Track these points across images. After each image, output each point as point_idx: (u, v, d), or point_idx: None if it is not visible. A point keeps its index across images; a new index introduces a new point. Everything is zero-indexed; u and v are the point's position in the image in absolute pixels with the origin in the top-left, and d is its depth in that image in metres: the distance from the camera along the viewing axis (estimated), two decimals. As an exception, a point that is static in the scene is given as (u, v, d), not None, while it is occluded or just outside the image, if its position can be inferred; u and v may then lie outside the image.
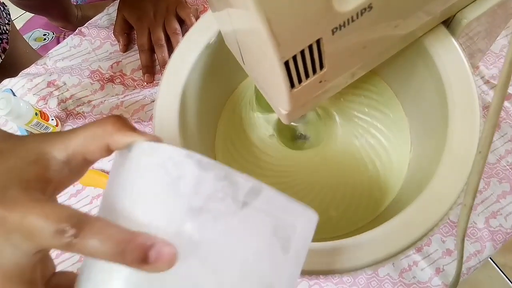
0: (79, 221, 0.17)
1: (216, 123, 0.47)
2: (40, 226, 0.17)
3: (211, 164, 0.19)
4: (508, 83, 0.23)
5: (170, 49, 0.55)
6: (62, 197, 0.50)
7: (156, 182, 0.19)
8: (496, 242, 0.44)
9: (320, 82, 0.29)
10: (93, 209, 0.49)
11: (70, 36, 0.58)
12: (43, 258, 0.21)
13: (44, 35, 0.88)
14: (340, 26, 0.25)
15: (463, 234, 0.30)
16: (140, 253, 0.17)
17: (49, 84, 0.55)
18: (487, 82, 0.49)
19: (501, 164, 0.46)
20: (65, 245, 0.17)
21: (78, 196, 0.50)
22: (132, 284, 0.18)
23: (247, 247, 0.19)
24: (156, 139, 0.21)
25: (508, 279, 1.01)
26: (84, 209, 0.49)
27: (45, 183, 0.20)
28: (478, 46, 0.43)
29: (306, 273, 0.30)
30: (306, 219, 0.21)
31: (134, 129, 0.21)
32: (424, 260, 0.44)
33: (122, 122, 0.21)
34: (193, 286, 0.18)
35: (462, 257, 0.32)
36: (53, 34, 0.86)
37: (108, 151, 0.21)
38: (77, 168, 0.21)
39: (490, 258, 0.46)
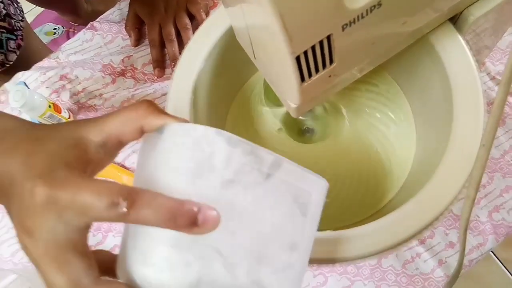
0: (130, 194, 0.19)
1: (225, 117, 0.48)
2: (93, 202, 0.18)
3: (239, 140, 0.21)
4: (512, 79, 0.24)
5: (181, 44, 0.56)
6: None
7: (192, 158, 0.21)
8: (498, 235, 0.45)
9: (330, 76, 0.30)
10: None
11: (82, 30, 0.59)
12: None
13: (54, 29, 0.89)
14: (350, 22, 0.26)
15: (465, 225, 0.31)
16: (189, 217, 0.19)
17: (62, 77, 0.56)
18: (493, 78, 0.50)
19: (505, 159, 0.47)
20: (120, 216, 0.18)
21: None
22: (178, 246, 0.20)
23: (273, 212, 0.22)
24: (186, 121, 0.22)
25: (510, 274, 1.01)
26: None
27: (85, 164, 0.21)
28: (485, 42, 0.44)
29: (311, 261, 0.31)
30: (319, 187, 0.24)
31: (165, 113, 0.22)
32: (427, 252, 0.45)
33: (154, 106, 0.22)
34: (231, 245, 0.21)
35: (464, 248, 0.33)
36: (63, 28, 0.87)
37: (141, 133, 0.22)
38: (112, 150, 0.22)
39: (492, 252, 0.47)
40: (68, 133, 0.21)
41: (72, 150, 0.21)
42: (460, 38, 0.35)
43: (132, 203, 0.18)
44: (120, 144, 0.23)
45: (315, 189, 0.23)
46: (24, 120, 0.24)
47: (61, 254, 0.19)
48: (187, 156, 0.21)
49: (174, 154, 0.21)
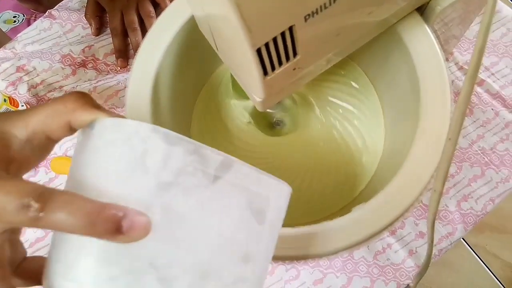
0: (44, 195, 0.17)
1: (191, 110, 0.46)
2: (2, 203, 0.16)
3: (179, 138, 0.19)
4: (477, 72, 0.23)
5: (144, 33, 0.53)
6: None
7: (122, 158, 0.18)
8: (467, 224, 0.45)
9: (294, 69, 0.28)
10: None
11: (39, 19, 0.56)
12: (12, 241, 0.20)
13: (14, 17, 0.84)
14: (312, 13, 0.24)
15: (433, 218, 0.31)
16: (112, 223, 0.17)
17: (18, 69, 0.53)
18: (461, 68, 0.50)
19: (473, 148, 0.47)
20: (31, 220, 0.16)
21: (51, 184, 0.49)
22: (104, 259, 0.18)
23: (221, 220, 0.19)
24: (120, 117, 0.20)
25: (480, 258, 1.05)
26: None
27: (6, 162, 0.19)
28: (453, 32, 0.43)
29: (283, 258, 0.30)
30: (278, 191, 0.21)
31: (97, 106, 0.20)
32: (397, 242, 0.45)
33: (85, 98, 0.20)
34: (167, 260, 0.18)
35: (432, 241, 0.33)
36: (24, 16, 0.83)
37: (71, 129, 0.20)
38: (39, 146, 0.20)
39: (462, 238, 0.48)
40: None
41: None
42: (427, 28, 0.34)
43: (44, 205, 0.16)
44: (49, 141, 0.21)
45: (274, 194, 0.21)
46: None
47: None
48: (117, 155, 0.18)
49: (103, 153, 0.19)
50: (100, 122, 0.20)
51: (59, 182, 0.49)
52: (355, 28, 0.30)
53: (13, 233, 0.21)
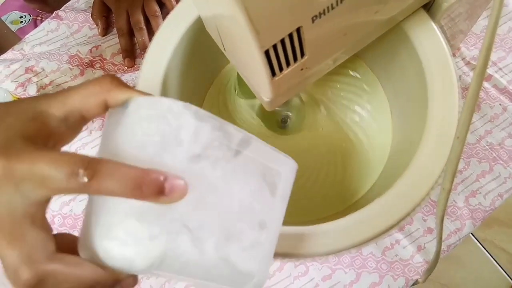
0: (91, 163, 0.18)
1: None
2: (51, 172, 0.18)
3: (207, 115, 0.20)
4: (486, 68, 0.23)
5: (150, 33, 0.53)
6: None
7: (158, 131, 0.20)
8: (476, 220, 0.45)
9: (302, 69, 0.29)
10: (78, 196, 0.49)
11: (47, 20, 0.56)
12: None
13: (21, 17, 0.85)
14: (320, 14, 0.25)
15: (442, 215, 0.31)
16: (156, 186, 0.18)
17: (27, 70, 0.54)
18: (468, 63, 0.50)
19: (481, 144, 0.47)
20: (81, 186, 0.18)
21: None
22: (144, 220, 0.19)
23: (242, 189, 0.22)
24: (151, 95, 0.22)
25: (488, 253, 1.04)
26: (68, 196, 0.49)
27: (46, 138, 0.20)
28: (460, 27, 0.43)
29: (294, 256, 0.31)
30: (288, 167, 0.24)
31: (130, 87, 0.22)
32: (406, 238, 0.45)
33: (118, 80, 0.22)
34: (199, 219, 0.20)
35: (441, 237, 0.33)
36: (30, 16, 0.83)
37: (105, 108, 0.22)
38: (74, 125, 0.22)
39: (471, 233, 0.48)
40: (27, 107, 0.20)
41: (31, 124, 0.20)
42: (434, 25, 0.34)
43: (94, 172, 0.18)
44: (83, 119, 0.22)
45: (285, 169, 0.23)
46: None
47: (16, 228, 0.18)
48: (153, 130, 0.20)
49: (140, 127, 0.20)
50: (135, 100, 0.21)
51: None
52: (362, 27, 0.30)
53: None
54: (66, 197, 0.48)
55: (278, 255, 0.30)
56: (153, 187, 0.18)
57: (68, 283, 0.19)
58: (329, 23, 0.26)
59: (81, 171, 0.18)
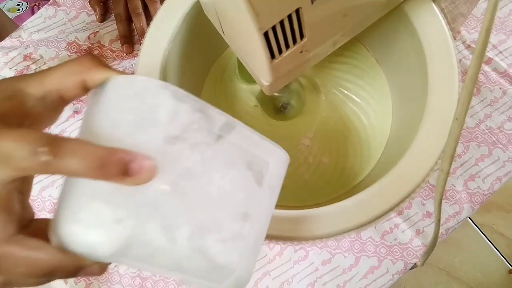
0: (53, 141, 0.17)
1: (199, 94, 0.47)
2: (13, 149, 0.17)
3: (187, 96, 0.20)
4: (485, 51, 0.23)
5: (149, 18, 0.53)
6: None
7: (132, 110, 0.19)
8: (474, 203, 0.45)
9: (301, 52, 0.28)
10: (56, 181, 0.49)
11: (44, 6, 0.56)
12: (21, 201, 0.21)
13: (18, 5, 0.84)
14: (319, -6, 0.24)
15: (440, 198, 0.31)
16: (121, 165, 0.17)
17: (26, 57, 0.53)
18: (468, 47, 0.50)
19: (480, 128, 0.47)
20: (43, 165, 0.17)
21: None
22: (110, 202, 0.18)
23: (222, 176, 0.20)
24: (130, 75, 0.21)
25: (486, 237, 1.05)
26: (47, 181, 0.49)
27: (21, 117, 0.20)
28: (460, 10, 0.43)
29: (292, 239, 0.31)
30: (278, 157, 0.22)
31: (109, 66, 0.21)
32: (404, 222, 0.45)
33: (98, 59, 0.21)
34: (171, 208, 0.19)
35: (439, 220, 0.33)
36: (27, 4, 0.82)
37: (84, 89, 0.21)
38: (52, 106, 0.21)
39: (469, 218, 0.49)
40: (4, 86, 0.20)
41: (7, 102, 0.19)
42: (435, 7, 0.34)
43: (55, 149, 0.17)
44: (62, 100, 0.21)
45: (273, 158, 0.22)
46: None
47: None
48: (127, 109, 0.19)
49: (115, 106, 0.19)
50: (113, 79, 0.20)
51: None
52: (362, 8, 0.30)
53: (22, 193, 0.21)
54: (45, 181, 0.49)
55: (277, 238, 0.31)
56: (117, 167, 0.17)
57: (23, 267, 0.19)
58: (328, 4, 0.26)
59: (42, 148, 0.17)
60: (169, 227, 0.19)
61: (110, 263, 0.21)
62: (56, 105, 0.21)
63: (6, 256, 0.18)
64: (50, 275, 0.19)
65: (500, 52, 0.49)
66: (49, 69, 0.21)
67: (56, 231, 0.19)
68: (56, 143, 0.17)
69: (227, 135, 0.20)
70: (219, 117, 0.20)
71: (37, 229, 0.20)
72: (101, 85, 0.20)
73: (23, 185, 0.22)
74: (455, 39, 0.50)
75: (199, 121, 0.20)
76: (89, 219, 0.18)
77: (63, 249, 0.19)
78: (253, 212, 0.21)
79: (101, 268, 0.21)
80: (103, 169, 0.17)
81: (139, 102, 0.19)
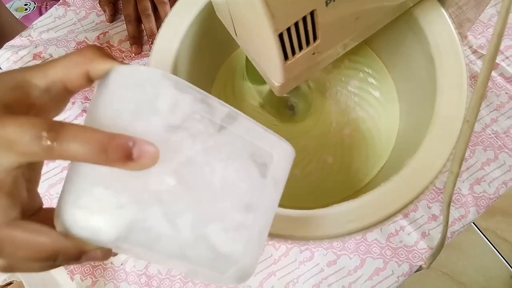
0: (55, 126, 0.18)
1: (208, 92, 0.47)
2: (16, 135, 0.17)
3: (188, 86, 0.20)
4: (496, 54, 0.24)
5: (158, 19, 0.54)
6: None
7: (134, 99, 0.19)
8: (480, 207, 0.46)
9: (313, 54, 0.29)
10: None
11: (54, 6, 0.57)
12: (29, 190, 0.21)
13: (26, 5, 0.85)
14: (333, -3, 0.25)
15: (449, 199, 0.31)
16: (123, 150, 0.18)
17: (35, 56, 0.54)
18: (475, 52, 0.50)
19: (486, 132, 0.48)
20: (45, 150, 0.17)
21: (50, 165, 0.50)
22: (113, 188, 0.19)
23: (225, 167, 0.20)
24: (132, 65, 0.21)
25: (490, 242, 1.05)
26: (56, 178, 0.49)
27: (26, 107, 0.20)
28: (467, 15, 0.43)
29: (308, 239, 0.31)
30: (282, 150, 0.22)
31: (113, 57, 0.21)
32: (410, 225, 0.46)
33: (101, 50, 0.21)
34: (173, 196, 0.19)
35: (447, 222, 0.34)
36: (35, 4, 0.83)
37: (88, 80, 0.21)
38: (57, 96, 0.21)
39: (473, 222, 0.49)
40: (9, 77, 0.20)
41: (12, 92, 0.20)
42: (444, 11, 0.34)
43: (57, 135, 0.17)
44: (66, 91, 0.21)
45: (278, 151, 0.22)
46: None
47: None
48: (129, 98, 0.19)
49: (117, 95, 0.20)
50: (116, 69, 0.20)
51: (58, 164, 0.49)
52: (374, 11, 0.30)
53: (29, 181, 0.22)
54: (54, 179, 0.49)
55: (282, 237, 0.31)
56: (120, 152, 0.18)
57: (26, 250, 0.19)
58: (342, 7, 0.26)
59: (44, 134, 0.17)
60: (171, 214, 0.19)
61: (112, 250, 0.21)
62: (61, 96, 0.21)
63: (7, 239, 0.19)
64: (53, 259, 0.20)
65: (507, 57, 0.50)
66: (53, 60, 0.21)
67: (60, 216, 0.19)
68: (59, 129, 0.18)
69: (230, 126, 0.20)
70: (222, 108, 0.20)
71: (45, 218, 0.21)
72: (105, 75, 0.21)
73: (30, 173, 0.22)
74: (462, 43, 0.50)
75: (201, 111, 0.20)
76: (92, 204, 0.19)
77: (66, 234, 0.19)
78: (256, 204, 0.21)
79: (104, 253, 0.21)
80: (105, 153, 0.18)
81: (140, 92, 0.19)
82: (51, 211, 0.22)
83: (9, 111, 0.19)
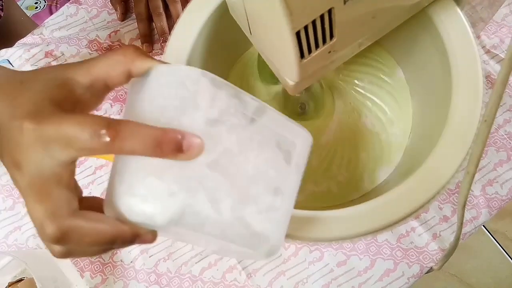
0: (112, 123, 0.19)
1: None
2: (76, 133, 0.19)
3: (224, 82, 0.22)
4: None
5: (169, 18, 0.54)
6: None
7: (176, 96, 0.21)
8: (492, 209, 0.45)
9: (329, 52, 0.29)
10: (96, 179, 0.50)
11: (66, 4, 0.57)
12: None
13: (36, 3, 0.85)
14: (352, -5, 0.25)
15: (464, 200, 0.31)
16: (175, 143, 0.19)
17: (47, 54, 0.54)
18: (488, 51, 0.50)
19: (499, 133, 0.47)
20: (104, 145, 0.19)
21: (81, 167, 0.50)
22: (164, 177, 0.20)
23: (257, 155, 0.22)
24: (171, 64, 0.23)
25: (499, 244, 1.05)
26: (87, 180, 0.49)
27: (73, 104, 0.21)
28: (480, 15, 0.43)
29: (316, 239, 0.31)
30: (303, 138, 0.25)
31: (151, 57, 0.23)
32: (421, 226, 0.45)
33: (141, 50, 0.23)
34: (216, 180, 0.21)
35: (462, 223, 0.33)
36: (45, 2, 0.84)
37: (128, 77, 0.23)
38: (98, 93, 0.23)
39: (483, 225, 0.48)
40: (54, 74, 0.22)
41: (59, 90, 0.21)
42: (459, 11, 0.34)
43: (116, 133, 0.19)
44: (106, 88, 0.23)
45: (299, 139, 0.24)
46: (3, 67, 0.24)
47: (44, 186, 0.20)
48: (172, 95, 0.21)
49: (160, 93, 0.21)
50: (156, 68, 0.22)
51: (89, 165, 0.50)
52: (390, 10, 0.30)
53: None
54: (85, 180, 0.49)
55: (293, 237, 0.31)
56: (172, 145, 0.19)
57: (90, 237, 0.21)
58: (359, 5, 0.26)
59: (103, 131, 0.19)
60: (215, 200, 0.21)
61: (158, 233, 0.23)
62: (101, 92, 0.23)
63: (74, 229, 0.20)
64: (111, 243, 0.21)
65: (520, 58, 0.49)
66: (95, 58, 0.22)
67: (113, 204, 0.21)
68: (116, 126, 0.19)
69: (260, 118, 0.22)
70: (252, 101, 0.22)
71: (87, 206, 0.22)
72: (144, 74, 0.22)
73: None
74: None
75: (235, 105, 0.22)
76: (145, 193, 0.20)
77: (121, 220, 0.21)
78: (283, 188, 0.23)
79: (153, 236, 0.23)
80: (159, 147, 0.19)
81: (182, 89, 0.21)
82: (91, 199, 0.24)
83: (58, 107, 0.20)
